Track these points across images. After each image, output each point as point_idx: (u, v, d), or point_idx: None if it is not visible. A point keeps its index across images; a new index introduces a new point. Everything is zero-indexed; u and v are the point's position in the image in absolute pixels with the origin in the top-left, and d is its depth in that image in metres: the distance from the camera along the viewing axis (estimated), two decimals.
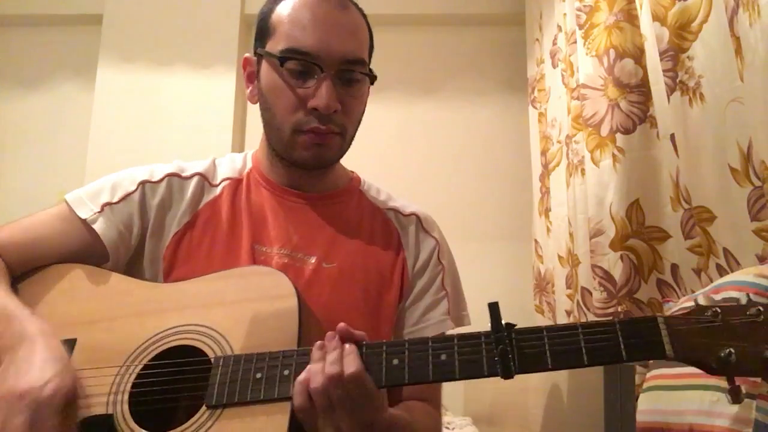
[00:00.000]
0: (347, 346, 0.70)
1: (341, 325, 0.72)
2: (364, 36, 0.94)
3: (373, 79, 0.94)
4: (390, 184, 1.08)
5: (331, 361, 0.68)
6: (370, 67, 0.94)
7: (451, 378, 0.69)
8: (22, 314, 0.78)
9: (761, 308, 0.63)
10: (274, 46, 0.90)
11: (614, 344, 0.66)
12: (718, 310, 0.65)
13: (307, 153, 0.90)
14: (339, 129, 0.90)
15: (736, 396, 0.62)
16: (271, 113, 0.91)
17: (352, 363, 0.68)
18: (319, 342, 0.72)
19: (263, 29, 0.93)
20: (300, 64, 0.87)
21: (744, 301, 0.65)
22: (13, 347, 0.73)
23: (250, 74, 0.97)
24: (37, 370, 0.70)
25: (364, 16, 0.95)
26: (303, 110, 0.88)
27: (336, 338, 0.71)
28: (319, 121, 0.88)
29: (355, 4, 0.94)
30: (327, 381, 0.67)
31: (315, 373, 0.68)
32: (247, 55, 0.98)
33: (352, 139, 0.95)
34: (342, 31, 0.89)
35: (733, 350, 0.62)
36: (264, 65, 0.92)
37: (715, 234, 1.21)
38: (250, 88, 0.97)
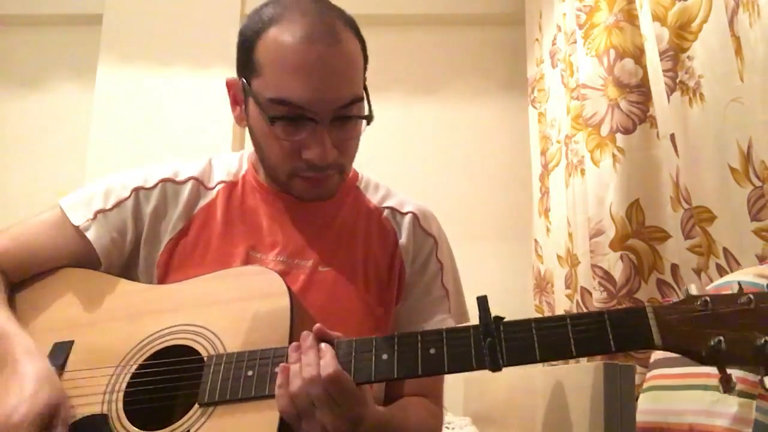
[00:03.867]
0: (323, 346, 0.70)
1: (317, 326, 0.72)
2: (359, 67, 0.86)
3: (369, 119, 0.87)
4: (389, 184, 1.08)
5: (307, 362, 0.68)
6: (367, 89, 0.87)
7: (440, 371, 0.69)
8: (9, 332, 0.79)
9: (752, 296, 0.62)
10: (262, 89, 0.83)
11: (603, 334, 0.66)
12: (708, 300, 0.64)
13: (306, 194, 0.90)
14: (337, 169, 0.88)
15: (726, 385, 0.61)
16: (264, 154, 0.89)
17: (329, 364, 0.68)
18: (294, 343, 0.71)
19: (247, 60, 0.85)
20: (290, 115, 0.82)
21: (735, 289, 0.64)
22: None
23: (234, 96, 0.91)
24: (11, 396, 0.71)
25: (356, 31, 0.87)
26: (297, 159, 0.85)
27: (310, 338, 0.71)
28: (315, 170, 0.85)
29: (347, 21, 0.86)
30: (304, 383, 0.67)
31: (293, 376, 0.68)
32: (229, 78, 0.91)
33: (350, 169, 0.93)
34: (336, 75, 0.82)
35: (722, 338, 0.61)
36: (252, 104, 0.86)
37: (715, 234, 1.21)
38: (237, 110, 0.92)
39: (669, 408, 1.04)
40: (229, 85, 0.92)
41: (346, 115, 0.84)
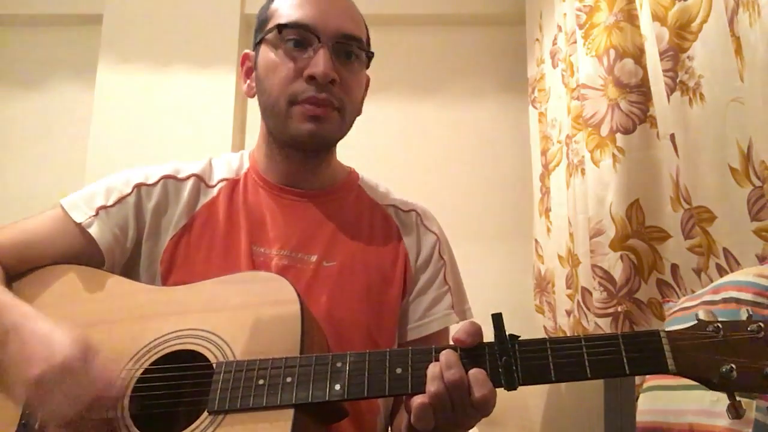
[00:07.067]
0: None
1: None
2: (359, 18, 0.96)
3: (370, 56, 0.95)
4: (390, 184, 1.08)
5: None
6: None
7: None
8: (3, 303, 0.78)
9: (762, 324, 0.64)
10: (271, 23, 0.93)
11: (617, 358, 0.66)
12: (720, 326, 0.65)
13: (304, 127, 0.89)
14: (337, 103, 0.90)
15: (736, 412, 0.63)
16: (267, 93, 0.92)
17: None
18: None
19: (261, 22, 0.96)
20: (297, 33, 0.89)
21: (744, 316, 0.66)
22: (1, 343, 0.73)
23: (248, 69, 0.99)
24: (35, 351, 0.70)
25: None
26: (299, 80, 0.89)
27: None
28: (315, 89, 0.88)
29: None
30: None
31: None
32: (246, 51, 1.00)
33: (351, 121, 0.95)
34: (338, 8, 0.93)
35: (734, 366, 0.63)
36: (262, 49, 0.94)
37: (715, 234, 1.21)
38: (248, 82, 0.99)
39: (669, 408, 1.04)
40: (244, 57, 1.00)
41: (348, 44, 0.91)
